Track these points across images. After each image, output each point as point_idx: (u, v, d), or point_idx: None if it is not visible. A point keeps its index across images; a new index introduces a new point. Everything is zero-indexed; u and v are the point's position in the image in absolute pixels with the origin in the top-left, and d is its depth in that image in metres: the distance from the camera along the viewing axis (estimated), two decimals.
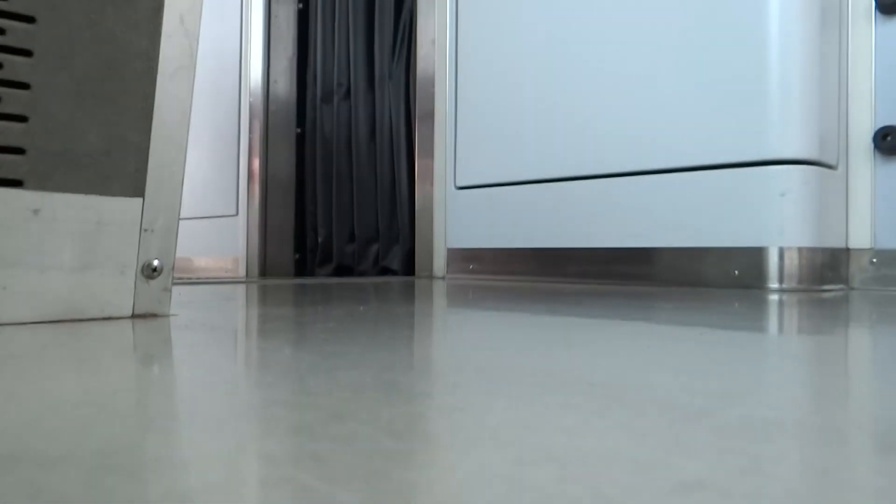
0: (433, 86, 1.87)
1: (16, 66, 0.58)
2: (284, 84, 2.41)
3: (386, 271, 2.13)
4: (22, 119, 0.59)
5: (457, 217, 1.76)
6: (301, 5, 2.43)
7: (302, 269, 2.42)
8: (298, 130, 2.43)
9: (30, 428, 0.25)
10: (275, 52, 2.38)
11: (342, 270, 2.27)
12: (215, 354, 0.44)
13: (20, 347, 0.45)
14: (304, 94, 2.42)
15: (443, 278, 1.76)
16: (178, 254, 2.39)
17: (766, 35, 1.22)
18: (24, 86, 0.59)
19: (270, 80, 2.37)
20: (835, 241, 1.29)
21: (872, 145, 1.29)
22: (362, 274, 2.18)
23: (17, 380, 0.34)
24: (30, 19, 0.59)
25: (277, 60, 2.39)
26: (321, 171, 2.34)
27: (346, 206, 2.27)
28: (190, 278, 1.81)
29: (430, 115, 1.88)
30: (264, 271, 2.35)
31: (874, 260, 1.29)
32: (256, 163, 2.34)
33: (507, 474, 0.19)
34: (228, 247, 2.41)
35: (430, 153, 1.88)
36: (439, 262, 1.83)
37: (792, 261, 1.21)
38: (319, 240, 2.33)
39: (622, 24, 1.42)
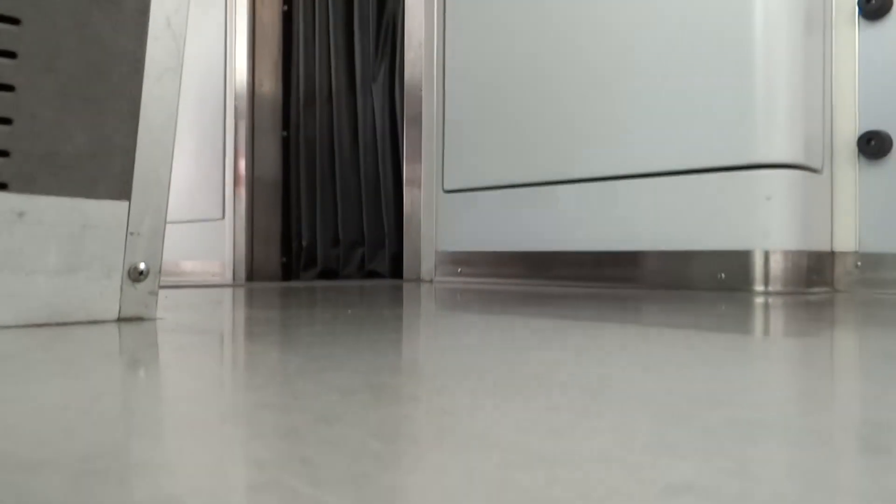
0: (421, 89, 1.87)
1: (0, 68, 0.58)
2: (270, 86, 2.40)
3: (372, 275, 2.13)
4: (6, 121, 0.58)
5: (445, 221, 1.76)
6: (286, 7, 2.42)
7: (289, 272, 2.41)
8: (284, 133, 2.42)
9: (13, 432, 0.24)
10: (260, 54, 2.37)
11: (327, 274, 2.26)
12: (202, 358, 0.44)
13: (4, 351, 0.45)
14: (290, 97, 2.41)
15: (431, 282, 1.76)
16: (165, 258, 2.37)
17: (752, 40, 1.23)
18: (8, 88, 0.58)
19: (256, 82, 2.36)
20: (820, 245, 1.30)
21: (857, 149, 1.31)
22: (347, 277, 2.18)
23: (1, 384, 0.34)
24: (14, 21, 0.58)
25: (262, 62, 2.38)
26: (307, 174, 2.33)
27: (331, 209, 2.26)
28: (177, 283, 1.79)
29: (418, 119, 1.88)
30: (251, 275, 2.33)
31: (858, 263, 1.30)
32: (242, 166, 2.33)
33: (495, 477, 0.19)
34: (215, 250, 2.39)
35: (417, 157, 1.88)
36: (428, 266, 1.83)
37: (777, 264, 1.22)
38: (304, 243, 2.32)
39: (609, 29, 1.43)
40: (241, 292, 1.27)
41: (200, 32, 2.42)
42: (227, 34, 2.38)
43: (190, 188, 2.47)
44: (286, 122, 2.42)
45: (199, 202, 2.45)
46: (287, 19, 2.42)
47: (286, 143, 2.42)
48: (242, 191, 2.33)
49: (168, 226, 0.65)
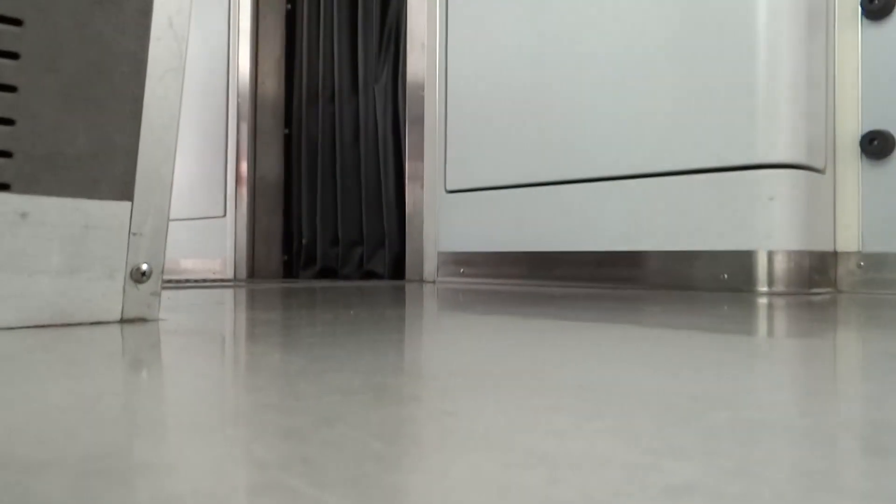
0: (423, 89, 1.87)
1: (2, 69, 0.58)
2: (272, 85, 2.40)
3: (371, 275, 2.13)
4: (9, 122, 0.58)
5: (447, 221, 1.76)
6: (289, 6, 2.42)
7: (290, 271, 2.41)
8: (286, 131, 2.42)
9: (16, 432, 0.24)
10: (262, 53, 2.38)
11: (326, 273, 2.26)
12: (204, 359, 0.44)
13: (7, 352, 0.45)
14: (293, 96, 2.41)
15: (433, 282, 1.76)
16: (166, 255, 2.37)
17: (755, 40, 1.23)
18: (10, 88, 0.58)
19: (258, 81, 2.36)
20: (823, 245, 1.29)
21: (859, 149, 1.31)
22: (346, 277, 2.18)
23: (3, 384, 0.34)
24: (16, 21, 0.58)
25: (265, 61, 2.38)
26: (308, 173, 2.33)
27: (331, 208, 2.26)
28: (178, 281, 1.80)
29: (420, 119, 1.88)
30: (252, 273, 2.33)
31: (861, 263, 1.30)
32: (244, 164, 2.33)
33: (497, 478, 0.19)
34: (216, 248, 2.39)
35: (420, 157, 1.89)
36: (430, 266, 1.83)
37: (780, 264, 1.21)
38: (304, 242, 2.32)
39: (612, 30, 1.43)
40: (242, 293, 1.27)
41: (204, 30, 2.43)
42: (230, 32, 2.38)
43: (192, 186, 2.48)
44: (288, 121, 2.42)
45: (201, 200, 2.45)
46: (290, 18, 2.43)
47: (288, 142, 2.42)
48: (244, 189, 2.33)
49: (170, 223, 0.65)
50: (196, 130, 2.47)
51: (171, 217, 2.50)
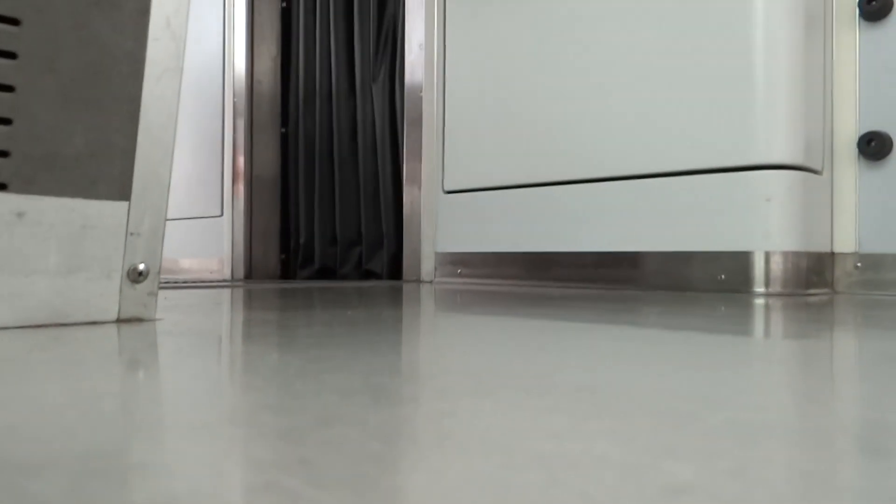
0: (421, 91, 1.87)
1: (0, 69, 0.58)
2: (269, 83, 2.39)
3: (369, 274, 2.13)
4: (6, 122, 0.58)
5: (445, 221, 1.76)
6: (284, 4, 2.42)
7: (288, 270, 2.41)
8: (283, 130, 2.41)
9: (13, 432, 0.24)
10: (258, 51, 2.37)
11: (324, 272, 2.26)
12: (201, 359, 0.44)
13: (4, 352, 0.45)
14: (289, 94, 2.40)
15: (431, 282, 1.76)
16: (164, 255, 2.37)
17: (752, 41, 1.23)
18: (8, 88, 0.58)
19: (255, 80, 2.35)
20: (820, 246, 1.30)
21: (857, 150, 1.31)
22: (344, 277, 2.17)
23: (0, 384, 0.34)
24: (14, 21, 0.58)
25: (261, 59, 2.37)
26: (306, 172, 2.32)
27: (329, 207, 2.26)
28: (175, 281, 1.79)
29: (419, 120, 1.88)
30: (250, 273, 2.33)
31: (858, 264, 1.30)
32: (241, 162, 2.32)
33: (496, 479, 0.19)
34: (213, 248, 2.39)
35: (418, 157, 1.88)
36: (427, 267, 1.83)
37: (777, 265, 1.21)
38: (301, 241, 2.31)
39: (610, 30, 1.43)
40: (239, 293, 1.27)
41: (198, 28, 2.42)
42: (225, 29, 2.37)
43: (189, 185, 2.47)
44: (285, 119, 2.41)
45: (198, 199, 2.45)
46: (286, 15, 2.42)
47: (285, 140, 2.41)
48: (241, 187, 2.32)
49: (167, 223, 0.65)
50: (193, 129, 2.46)
51: (169, 217, 2.48)
